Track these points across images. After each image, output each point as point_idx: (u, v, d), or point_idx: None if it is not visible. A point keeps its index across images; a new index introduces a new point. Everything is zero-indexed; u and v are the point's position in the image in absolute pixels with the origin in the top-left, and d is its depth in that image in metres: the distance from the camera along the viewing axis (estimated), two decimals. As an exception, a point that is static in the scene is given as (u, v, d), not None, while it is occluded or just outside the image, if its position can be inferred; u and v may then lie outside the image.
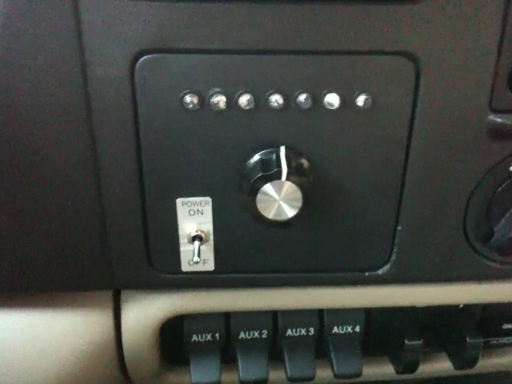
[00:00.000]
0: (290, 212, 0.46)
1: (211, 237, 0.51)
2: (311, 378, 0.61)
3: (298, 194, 0.45)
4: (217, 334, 0.61)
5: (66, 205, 0.49)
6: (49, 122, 0.45)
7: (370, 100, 0.45)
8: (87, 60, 0.43)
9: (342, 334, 0.62)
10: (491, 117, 0.46)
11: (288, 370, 0.61)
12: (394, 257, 0.53)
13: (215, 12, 0.41)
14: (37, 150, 0.46)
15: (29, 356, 0.57)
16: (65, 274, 0.52)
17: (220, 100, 0.44)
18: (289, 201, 0.46)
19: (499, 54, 0.44)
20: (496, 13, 0.42)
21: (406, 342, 0.61)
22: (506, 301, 0.60)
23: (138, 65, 0.43)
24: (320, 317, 0.62)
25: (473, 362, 0.63)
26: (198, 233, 0.50)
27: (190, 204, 0.49)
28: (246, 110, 0.45)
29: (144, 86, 0.44)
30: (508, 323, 0.67)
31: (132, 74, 0.43)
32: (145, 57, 0.43)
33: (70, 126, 0.45)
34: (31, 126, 0.45)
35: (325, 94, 0.44)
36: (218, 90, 0.44)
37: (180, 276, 0.53)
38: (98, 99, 0.44)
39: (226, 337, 0.61)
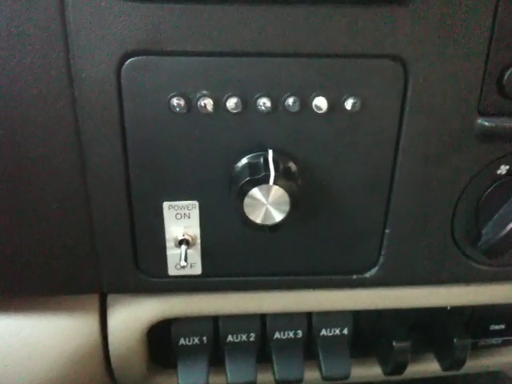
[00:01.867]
0: (278, 216, 0.46)
1: (198, 241, 0.51)
2: (299, 381, 0.61)
3: (286, 198, 0.45)
4: (204, 338, 0.61)
5: (53, 207, 0.48)
6: (34, 124, 0.44)
7: (358, 103, 0.44)
8: (73, 61, 0.42)
9: (330, 336, 0.62)
10: (480, 120, 0.46)
11: (276, 373, 0.61)
12: (381, 260, 0.53)
13: (204, 14, 0.41)
14: (22, 152, 0.45)
15: (14, 359, 0.56)
16: (52, 277, 0.52)
17: (207, 103, 0.44)
18: (276, 205, 0.45)
19: (488, 57, 0.44)
20: (485, 16, 0.42)
21: (395, 343, 0.61)
22: (493, 302, 0.60)
23: (124, 66, 0.43)
24: (308, 319, 0.62)
25: (461, 363, 0.63)
26: (185, 237, 0.50)
27: (176, 208, 0.49)
28: (234, 113, 0.44)
29: (131, 88, 0.43)
30: (495, 324, 0.67)
31: (119, 75, 0.43)
32: (132, 59, 0.42)
33: (56, 128, 0.45)
34: (16, 128, 0.44)
35: (313, 98, 0.44)
36: (205, 92, 0.44)
37: (167, 280, 0.53)
38: (84, 101, 0.44)
39: (214, 340, 0.61)
